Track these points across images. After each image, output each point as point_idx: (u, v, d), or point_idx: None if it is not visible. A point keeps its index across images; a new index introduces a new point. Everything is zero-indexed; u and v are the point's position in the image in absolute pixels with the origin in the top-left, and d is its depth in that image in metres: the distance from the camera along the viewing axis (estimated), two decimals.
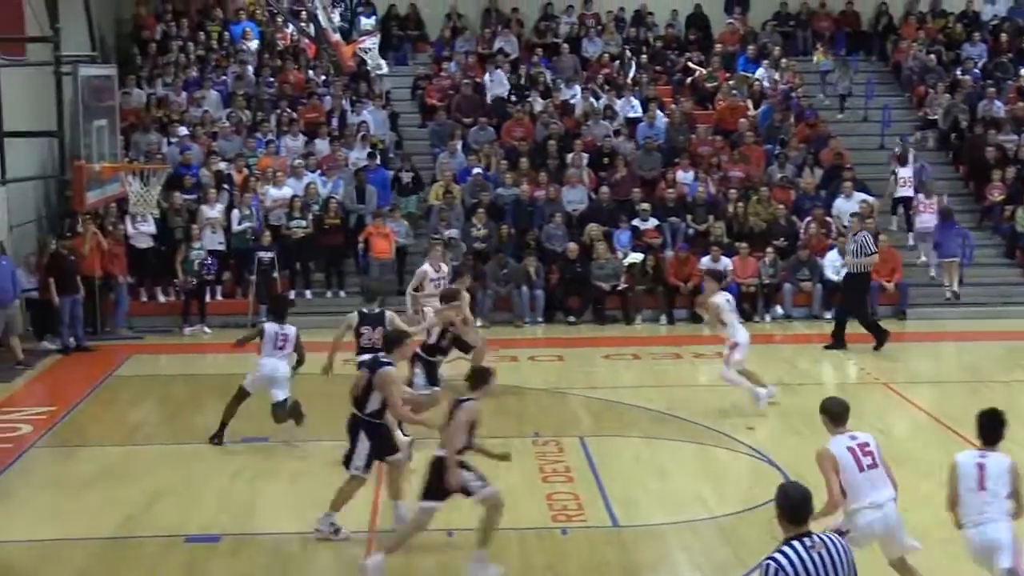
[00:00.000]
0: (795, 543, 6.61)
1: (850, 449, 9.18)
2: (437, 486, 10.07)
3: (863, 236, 18.89)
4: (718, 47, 27.42)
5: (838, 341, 18.88)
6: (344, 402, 11.46)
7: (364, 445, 10.91)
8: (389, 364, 10.85)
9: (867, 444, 9.29)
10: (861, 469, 9.14)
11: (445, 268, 17.35)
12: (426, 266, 16.97)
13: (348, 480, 11.01)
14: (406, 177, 23.03)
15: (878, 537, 9.25)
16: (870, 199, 22.16)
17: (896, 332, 20.71)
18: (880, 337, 18.82)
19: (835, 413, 9.45)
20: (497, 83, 25.80)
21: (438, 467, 10.06)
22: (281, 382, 13.92)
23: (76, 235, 19.93)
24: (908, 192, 23.26)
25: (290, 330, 13.97)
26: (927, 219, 22.55)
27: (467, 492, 10.13)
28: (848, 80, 26.46)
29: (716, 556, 10.92)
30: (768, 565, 6.60)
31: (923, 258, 22.53)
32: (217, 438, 13.93)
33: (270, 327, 13.98)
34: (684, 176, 23.34)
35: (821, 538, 6.66)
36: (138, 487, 12.64)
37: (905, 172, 23.35)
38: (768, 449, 13.75)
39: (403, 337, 11.28)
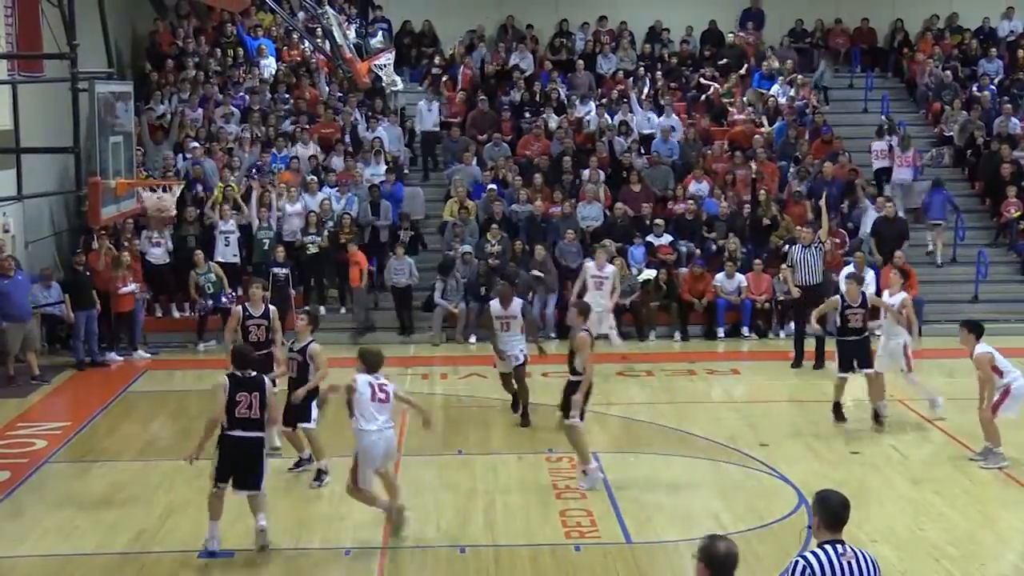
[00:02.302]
0: (827, 547, 6.62)
1: None
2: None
3: (799, 250, 19.03)
4: (729, 41, 27.78)
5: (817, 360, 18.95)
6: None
7: None
8: None
9: None
10: None
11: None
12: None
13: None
14: (405, 236, 22.11)
15: None
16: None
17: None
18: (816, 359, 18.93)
19: None
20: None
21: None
22: None
23: (91, 251, 20.03)
24: (885, 163, 24.32)
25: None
26: (903, 173, 23.89)
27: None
28: (830, 72, 26.99)
29: None
30: (797, 562, 6.61)
31: (930, 247, 23.02)
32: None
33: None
34: (697, 187, 23.37)
35: (853, 549, 6.65)
36: (152, 502, 12.69)
37: (879, 144, 24.38)
38: (781, 466, 13.72)
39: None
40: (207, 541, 11.18)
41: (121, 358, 19.99)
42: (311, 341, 13.32)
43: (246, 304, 14.57)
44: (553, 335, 20.86)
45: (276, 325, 14.44)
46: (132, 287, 19.94)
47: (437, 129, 25.08)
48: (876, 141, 24.69)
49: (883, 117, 25.77)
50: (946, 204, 23.33)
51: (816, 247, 18.86)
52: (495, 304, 15.84)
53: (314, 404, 13.12)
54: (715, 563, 6.29)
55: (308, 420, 13.23)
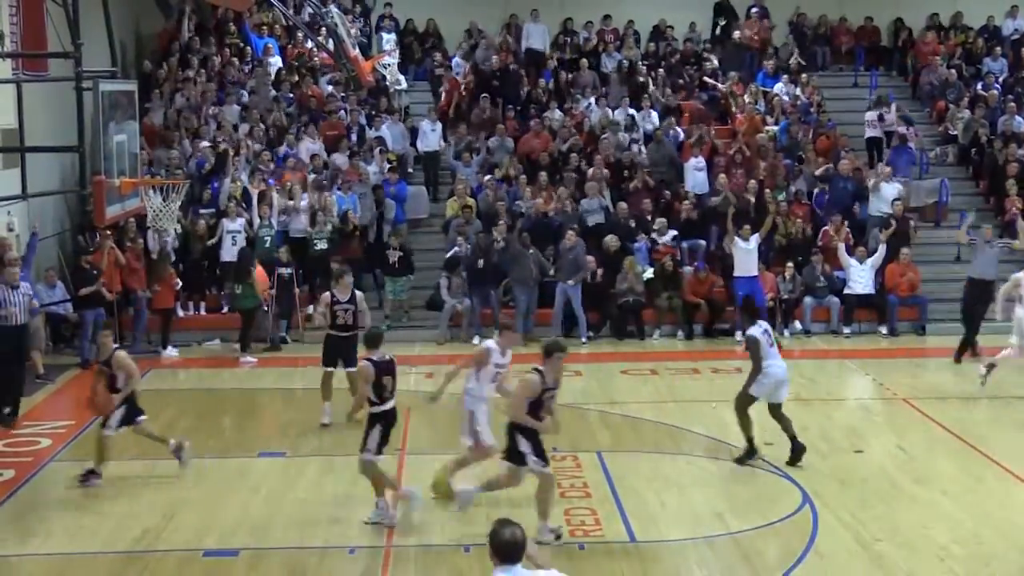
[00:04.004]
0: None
1: None
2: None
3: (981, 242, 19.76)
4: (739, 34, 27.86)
5: None
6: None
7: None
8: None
9: None
10: None
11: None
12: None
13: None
14: (393, 256, 21.53)
15: None
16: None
17: (916, 347, 20.72)
18: None
19: None
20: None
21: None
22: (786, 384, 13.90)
23: (96, 250, 20.06)
24: (876, 133, 24.93)
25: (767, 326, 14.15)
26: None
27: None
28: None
29: (734, 572, 10.90)
30: None
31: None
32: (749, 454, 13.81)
33: (754, 331, 13.79)
34: (696, 163, 23.40)
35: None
36: (157, 502, 12.69)
37: (871, 115, 24.98)
38: (786, 464, 13.69)
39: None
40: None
41: (175, 353, 20.17)
42: (116, 349, 13.47)
43: (334, 290, 15.46)
44: (590, 334, 21.12)
45: (363, 307, 15.44)
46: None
47: (439, 148, 24.85)
48: (868, 112, 25.18)
49: (883, 96, 25.95)
50: (912, 162, 24.29)
51: (997, 244, 19.55)
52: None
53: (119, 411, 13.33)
54: (498, 548, 6.48)
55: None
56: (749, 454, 13.78)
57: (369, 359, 11.70)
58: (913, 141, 24.80)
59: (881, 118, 25.09)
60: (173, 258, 20.97)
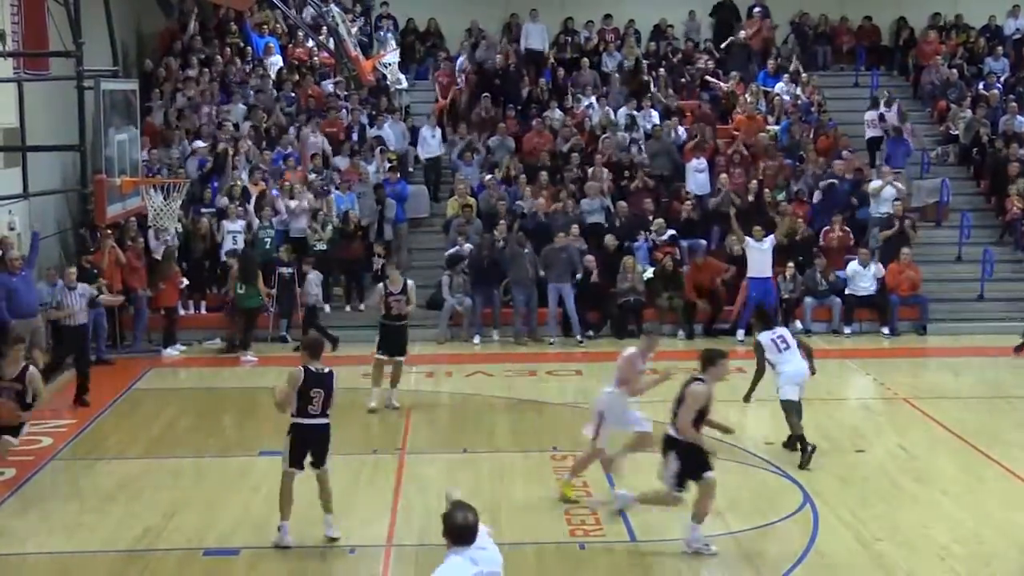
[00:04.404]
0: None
1: None
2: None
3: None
4: (741, 34, 27.90)
5: None
6: (355, 418, 11.49)
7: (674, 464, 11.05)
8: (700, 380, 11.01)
9: None
10: None
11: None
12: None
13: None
14: (377, 263, 21.28)
15: None
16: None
17: (917, 347, 20.71)
18: None
19: None
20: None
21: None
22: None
23: (97, 249, 20.06)
24: (876, 132, 25.10)
25: (784, 330, 14.45)
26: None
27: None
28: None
29: (735, 571, 10.91)
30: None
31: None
32: (807, 458, 13.73)
33: (763, 337, 14.18)
34: (697, 164, 23.37)
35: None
36: (158, 500, 12.69)
37: (871, 114, 25.18)
38: (786, 465, 13.71)
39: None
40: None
41: (177, 352, 20.22)
42: (26, 366, 13.13)
43: (387, 282, 16.27)
44: (590, 333, 21.13)
45: (413, 298, 16.37)
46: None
47: (440, 155, 24.74)
48: (868, 111, 25.35)
49: (884, 91, 26.21)
50: (908, 154, 24.46)
51: None
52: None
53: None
54: (452, 531, 6.70)
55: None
56: (803, 451, 13.81)
57: (305, 367, 11.11)
58: (909, 135, 24.83)
59: (882, 118, 25.12)
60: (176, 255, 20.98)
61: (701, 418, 10.98)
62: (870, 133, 25.39)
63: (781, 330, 14.50)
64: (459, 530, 6.70)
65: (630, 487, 12.04)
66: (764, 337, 14.22)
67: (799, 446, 13.88)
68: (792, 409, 13.99)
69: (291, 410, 11.13)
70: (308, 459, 11.24)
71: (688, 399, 10.96)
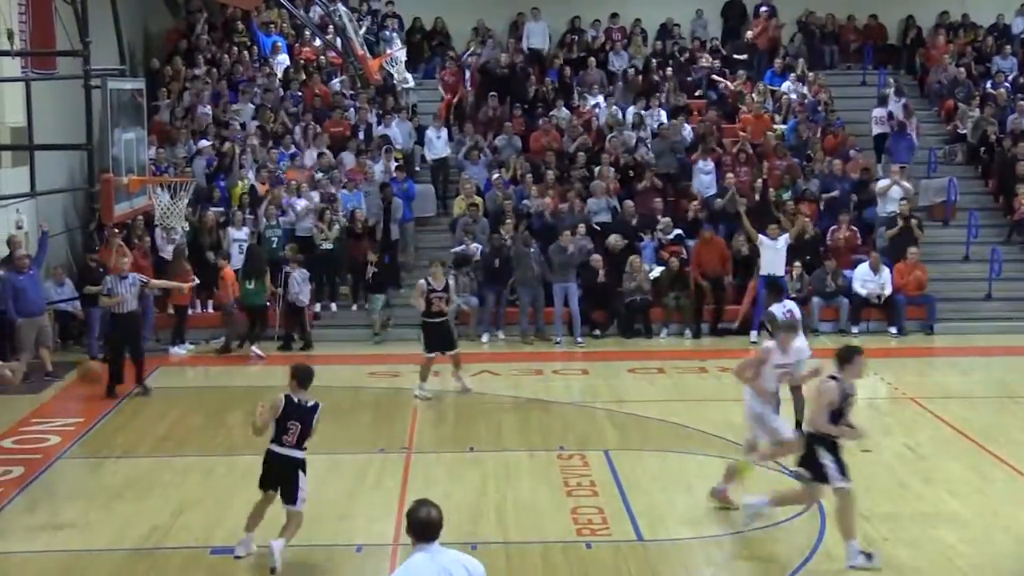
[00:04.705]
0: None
1: None
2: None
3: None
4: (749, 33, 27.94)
5: None
6: (362, 417, 11.46)
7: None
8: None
9: None
10: None
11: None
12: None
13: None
14: (369, 272, 21.26)
15: None
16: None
17: (924, 347, 20.68)
18: None
19: None
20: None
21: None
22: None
23: (104, 248, 20.08)
24: (884, 129, 25.11)
25: (794, 305, 15.08)
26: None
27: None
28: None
29: (741, 571, 10.90)
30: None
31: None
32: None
33: (776, 308, 14.83)
34: (703, 165, 23.38)
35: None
36: (164, 499, 12.71)
37: (879, 111, 25.35)
38: (792, 464, 13.66)
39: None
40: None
41: (184, 351, 20.29)
42: None
43: (429, 279, 16.90)
44: (596, 333, 21.18)
45: (454, 296, 17.28)
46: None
47: (446, 156, 24.60)
48: (877, 108, 25.47)
49: (890, 80, 26.40)
50: (912, 149, 24.55)
51: None
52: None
53: None
54: (414, 526, 6.76)
55: None
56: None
57: (287, 395, 10.77)
58: (912, 130, 24.91)
59: (891, 116, 25.08)
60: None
61: (838, 416, 10.81)
62: (877, 130, 25.40)
63: (791, 305, 15.08)
64: (421, 526, 6.76)
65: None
66: (776, 309, 14.84)
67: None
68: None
69: (270, 435, 10.85)
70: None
71: (817, 396, 10.92)
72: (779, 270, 20.58)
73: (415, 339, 20.51)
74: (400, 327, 20.98)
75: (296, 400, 10.79)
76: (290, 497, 10.82)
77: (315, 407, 10.83)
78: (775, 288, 15.44)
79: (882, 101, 25.68)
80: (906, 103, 25.54)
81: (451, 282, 16.84)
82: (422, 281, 17.04)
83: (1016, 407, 16.60)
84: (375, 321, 20.98)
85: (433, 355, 16.92)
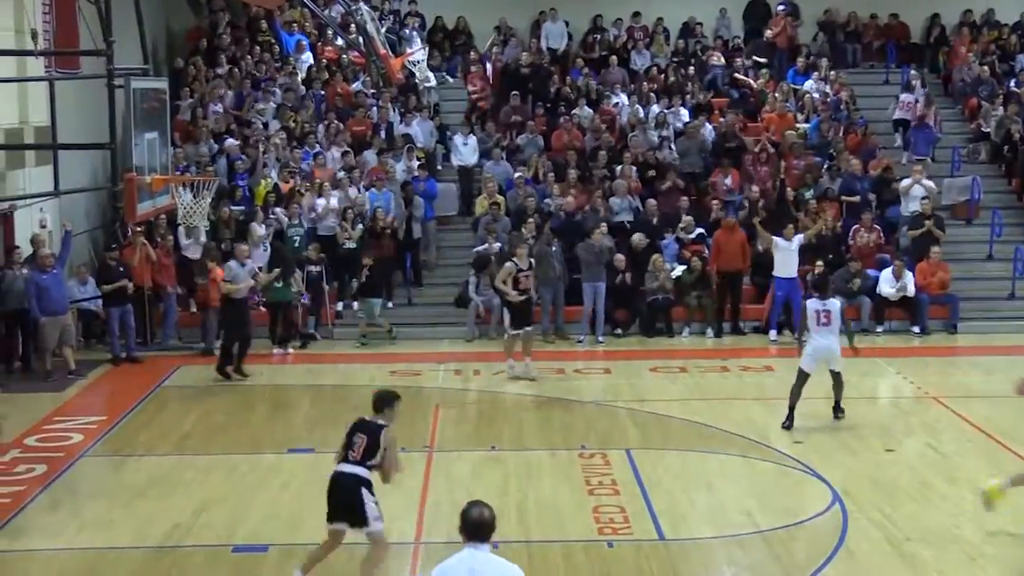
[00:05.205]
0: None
1: None
2: None
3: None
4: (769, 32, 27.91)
5: None
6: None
7: None
8: None
9: None
10: None
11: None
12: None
13: None
14: (363, 275, 20.85)
15: None
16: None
17: (947, 346, 20.59)
18: None
19: None
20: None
21: None
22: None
23: (126, 246, 20.16)
24: (907, 115, 25.30)
25: (833, 305, 15.03)
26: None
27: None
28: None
29: (763, 571, 10.87)
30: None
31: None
32: (789, 421, 15.09)
33: (812, 303, 15.06)
34: (723, 179, 23.33)
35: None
36: (186, 497, 12.75)
37: (906, 96, 25.51)
38: (816, 463, 13.66)
39: None
40: None
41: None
42: None
43: (515, 260, 17.93)
44: (619, 331, 21.15)
45: (530, 275, 17.99)
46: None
47: (475, 163, 24.21)
48: (903, 94, 25.78)
49: (913, 72, 26.52)
50: (931, 141, 24.69)
51: None
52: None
53: None
54: (465, 525, 6.92)
55: None
56: (789, 419, 15.09)
57: (362, 418, 10.20)
58: (933, 121, 25.00)
59: (916, 102, 25.33)
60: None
61: None
62: (898, 114, 25.58)
63: (831, 304, 15.14)
64: (473, 526, 6.89)
65: None
66: (811, 304, 15.10)
67: (788, 414, 15.13)
68: (800, 378, 15.05)
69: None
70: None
71: None
72: (792, 271, 20.51)
73: (431, 338, 20.69)
74: (418, 326, 21.03)
75: (366, 419, 10.12)
76: (360, 519, 9.97)
77: (383, 426, 10.01)
78: (818, 284, 15.67)
79: (907, 88, 25.76)
80: (928, 94, 25.49)
81: (532, 262, 18.21)
82: (509, 263, 17.94)
83: None
84: (362, 324, 20.71)
85: (518, 332, 17.86)
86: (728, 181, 23.37)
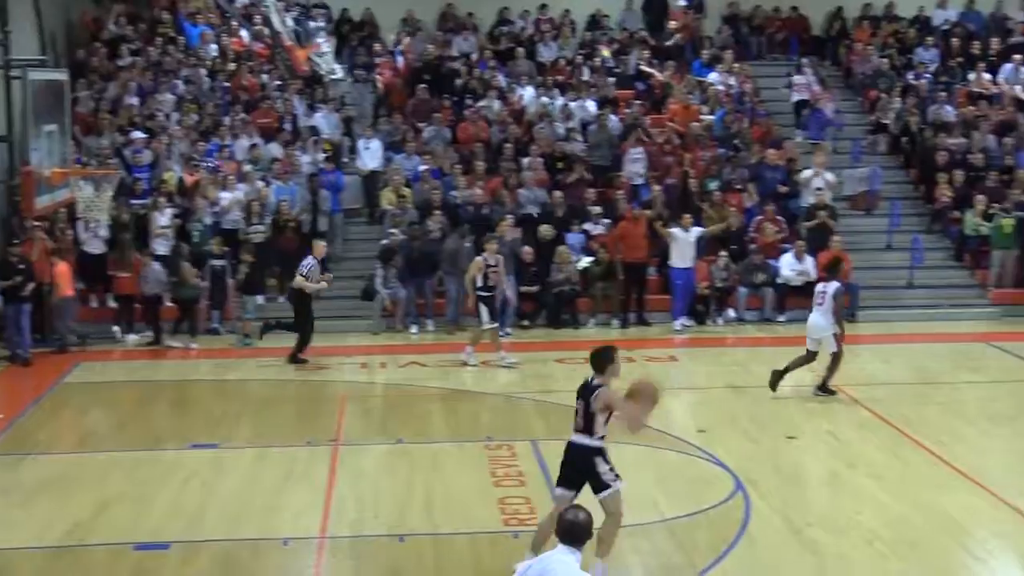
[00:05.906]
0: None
1: None
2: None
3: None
4: (670, 26, 28.20)
5: None
6: (290, 408, 11.41)
7: None
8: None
9: None
10: None
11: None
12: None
13: None
14: (241, 272, 20.48)
15: None
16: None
17: (847, 334, 20.85)
18: None
19: None
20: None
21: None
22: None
23: (25, 241, 19.72)
24: (804, 95, 26.21)
25: (830, 287, 16.00)
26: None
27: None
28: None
29: (667, 558, 10.96)
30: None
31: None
32: (774, 383, 16.13)
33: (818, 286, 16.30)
34: (634, 153, 23.48)
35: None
36: (87, 495, 12.54)
37: (799, 78, 26.53)
38: (719, 452, 13.82)
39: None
40: None
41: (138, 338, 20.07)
42: None
43: (485, 255, 18.22)
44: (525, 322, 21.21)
45: (503, 270, 18.39)
46: None
47: (378, 168, 23.71)
48: (796, 75, 26.60)
49: (802, 60, 27.36)
50: (823, 124, 25.39)
51: None
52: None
53: None
54: (559, 527, 7.10)
55: None
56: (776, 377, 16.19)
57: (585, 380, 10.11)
58: (827, 105, 25.64)
59: (810, 87, 26.01)
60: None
61: None
62: (795, 96, 26.39)
63: (828, 286, 16.14)
64: (563, 528, 7.05)
65: None
66: (818, 287, 16.45)
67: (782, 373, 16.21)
68: (802, 354, 16.30)
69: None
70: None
71: None
72: (688, 261, 20.73)
73: (337, 331, 20.53)
74: (324, 319, 20.89)
75: (586, 380, 10.01)
76: (596, 485, 9.99)
77: (596, 388, 9.82)
78: (829, 267, 16.58)
79: (798, 70, 26.78)
80: (821, 78, 26.37)
81: (501, 258, 18.33)
82: (479, 257, 18.34)
83: (936, 394, 16.86)
84: (244, 324, 20.24)
85: (496, 324, 18.42)
86: (639, 152, 23.50)
